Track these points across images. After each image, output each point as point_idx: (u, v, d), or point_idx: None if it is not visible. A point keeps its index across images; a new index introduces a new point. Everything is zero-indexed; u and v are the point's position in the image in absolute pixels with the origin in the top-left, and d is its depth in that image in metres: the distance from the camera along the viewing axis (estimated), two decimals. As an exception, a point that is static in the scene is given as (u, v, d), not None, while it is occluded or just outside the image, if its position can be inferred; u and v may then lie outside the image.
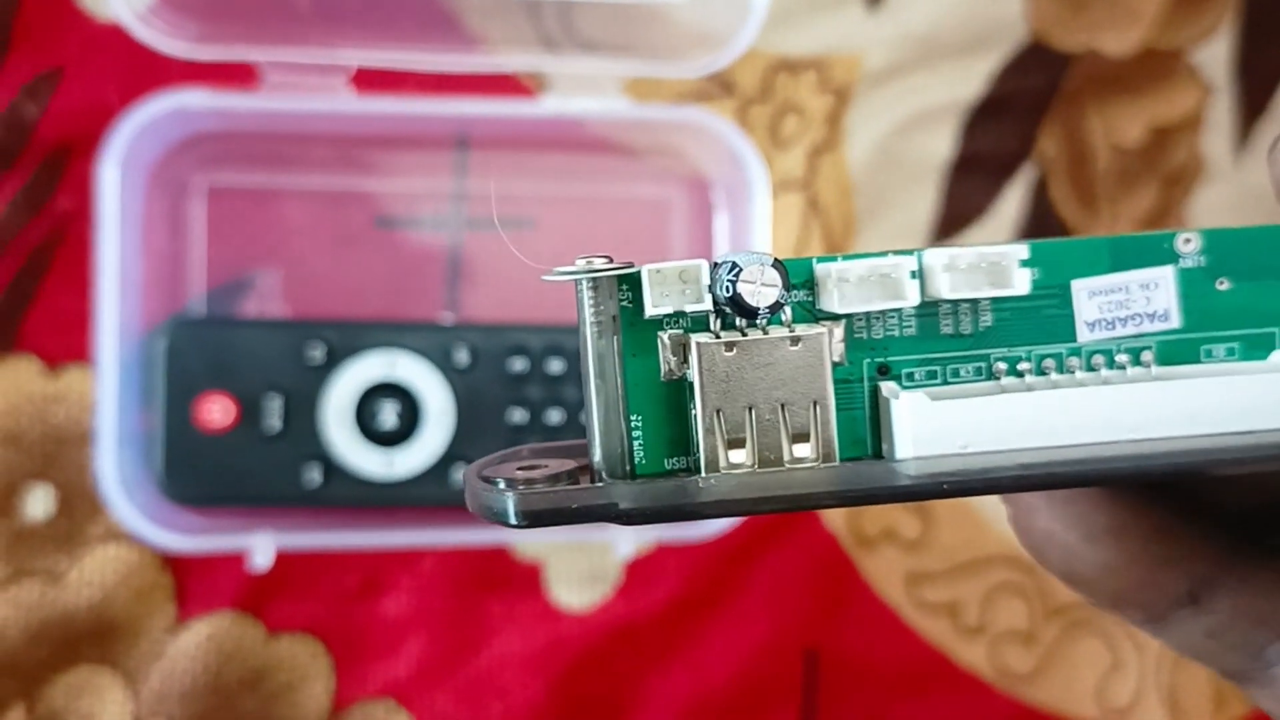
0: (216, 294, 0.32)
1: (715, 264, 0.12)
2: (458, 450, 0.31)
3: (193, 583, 0.32)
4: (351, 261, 0.32)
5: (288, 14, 0.30)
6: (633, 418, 0.12)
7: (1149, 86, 0.38)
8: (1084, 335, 0.12)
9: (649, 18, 0.31)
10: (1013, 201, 0.37)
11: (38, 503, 0.31)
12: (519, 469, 0.12)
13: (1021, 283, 0.12)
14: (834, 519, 0.36)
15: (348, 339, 0.30)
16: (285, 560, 0.31)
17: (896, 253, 0.12)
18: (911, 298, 0.12)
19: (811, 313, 0.12)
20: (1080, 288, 0.12)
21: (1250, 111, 0.39)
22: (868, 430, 0.12)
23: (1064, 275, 0.12)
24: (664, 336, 0.12)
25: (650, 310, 0.12)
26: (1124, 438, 0.12)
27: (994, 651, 0.36)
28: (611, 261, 0.11)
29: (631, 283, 0.12)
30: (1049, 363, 0.12)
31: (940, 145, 0.36)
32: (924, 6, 0.36)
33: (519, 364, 0.31)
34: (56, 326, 0.31)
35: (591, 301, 0.12)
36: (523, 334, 0.31)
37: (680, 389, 0.12)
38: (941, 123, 0.36)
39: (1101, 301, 0.12)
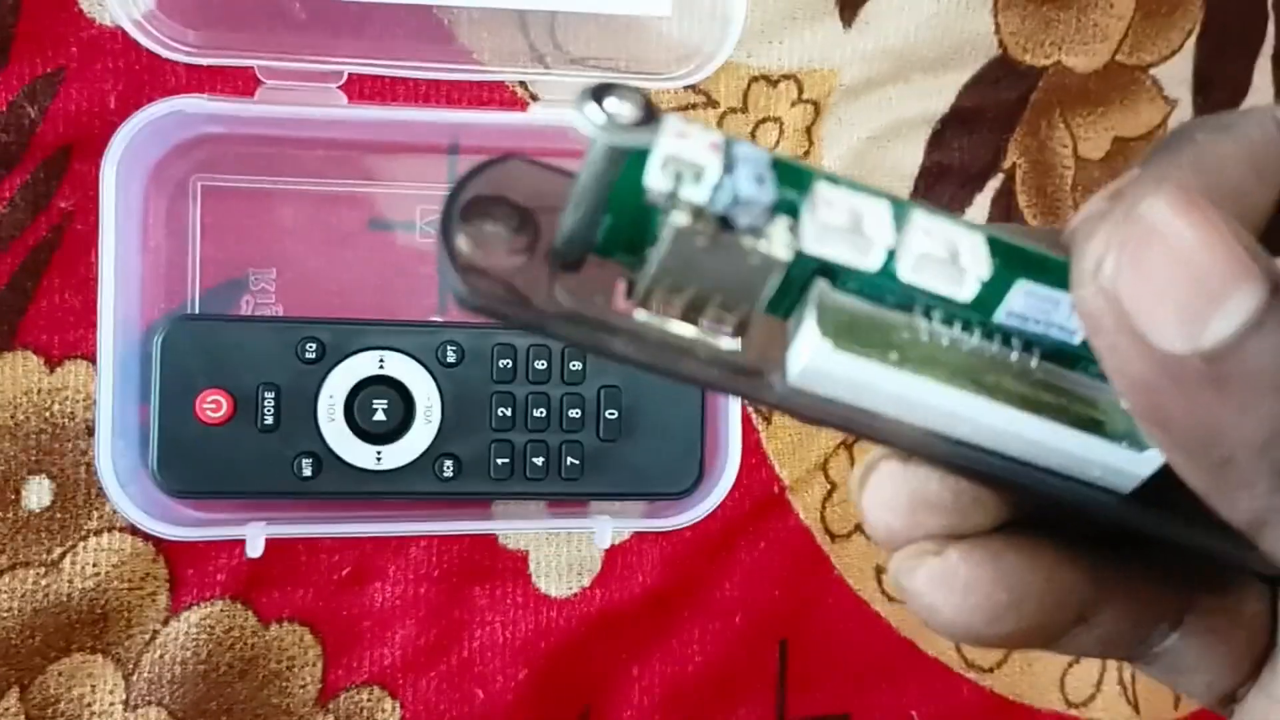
0: (213, 293, 0.32)
1: (728, 165, 0.12)
2: (445, 445, 0.32)
3: (186, 572, 0.32)
4: (345, 262, 0.33)
5: (285, 22, 0.30)
6: (605, 217, 0.13)
7: (1114, 101, 0.39)
8: (999, 316, 0.14)
9: (633, 31, 0.32)
10: (981, 211, 0.38)
11: (34, 494, 0.32)
12: (490, 226, 0.13)
13: (969, 290, 0.13)
14: (808, 514, 0.37)
15: (340, 338, 0.31)
16: (276, 550, 0.32)
17: (894, 208, 0.13)
18: (873, 263, 0.13)
19: (792, 219, 0.13)
20: (1022, 287, 0.13)
21: (1210, 126, 0.40)
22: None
23: (1015, 276, 0.13)
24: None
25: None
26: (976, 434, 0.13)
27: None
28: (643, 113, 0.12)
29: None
30: (959, 323, 0.14)
31: (912, 156, 0.37)
32: (898, 23, 0.37)
33: (504, 362, 0.32)
34: (55, 323, 0.32)
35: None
36: (509, 334, 0.32)
37: (652, 214, 0.13)
38: (913, 134, 0.37)
39: (1032, 302, 0.13)
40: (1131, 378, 0.12)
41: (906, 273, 0.13)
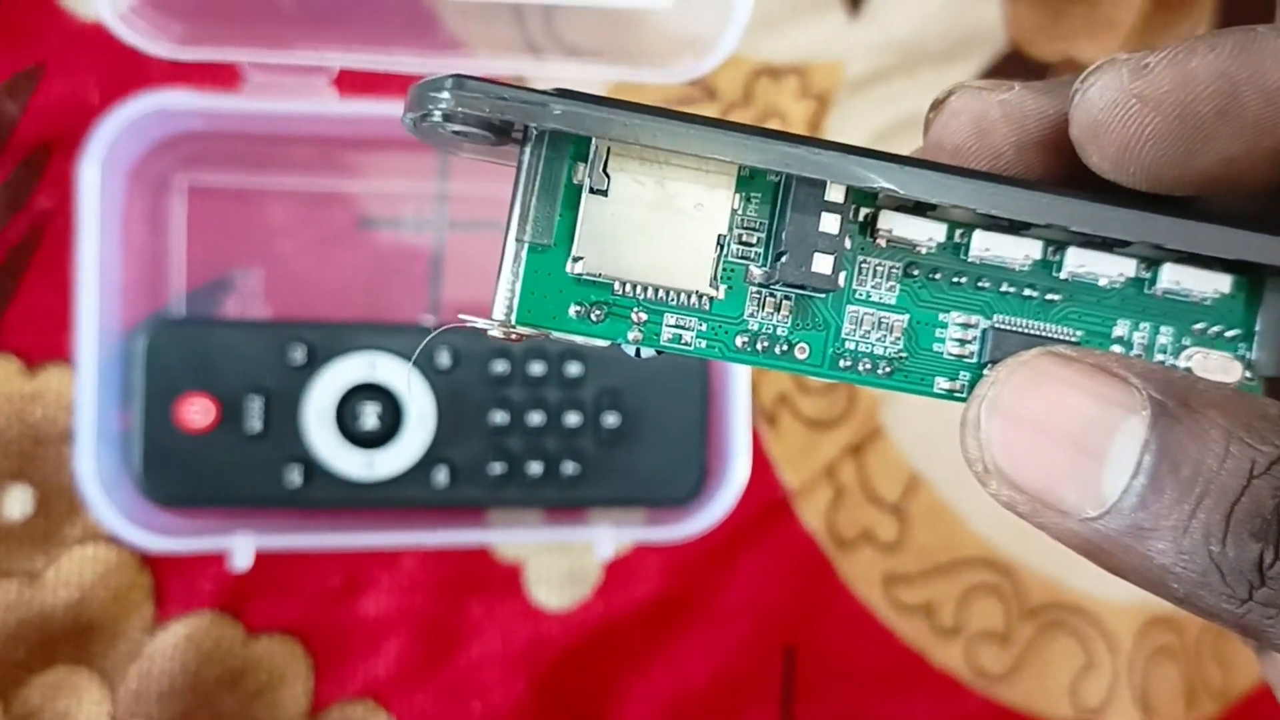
0: (197, 294, 0.31)
1: None
2: (438, 452, 0.31)
3: (172, 583, 0.32)
4: (333, 262, 0.32)
5: (271, 15, 0.30)
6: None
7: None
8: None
9: (633, 23, 0.31)
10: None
11: (15, 503, 0.31)
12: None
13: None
14: (814, 520, 0.36)
15: (329, 340, 0.30)
16: (265, 560, 0.31)
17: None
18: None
19: None
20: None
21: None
22: None
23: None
24: None
25: None
26: None
27: (969, 652, 0.37)
28: None
29: None
30: None
31: (919, 151, 0.37)
32: (905, 14, 0.36)
33: (500, 366, 0.31)
34: (35, 325, 0.31)
35: None
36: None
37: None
38: (921, 129, 0.37)
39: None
40: (1068, 543, 0.12)
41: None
